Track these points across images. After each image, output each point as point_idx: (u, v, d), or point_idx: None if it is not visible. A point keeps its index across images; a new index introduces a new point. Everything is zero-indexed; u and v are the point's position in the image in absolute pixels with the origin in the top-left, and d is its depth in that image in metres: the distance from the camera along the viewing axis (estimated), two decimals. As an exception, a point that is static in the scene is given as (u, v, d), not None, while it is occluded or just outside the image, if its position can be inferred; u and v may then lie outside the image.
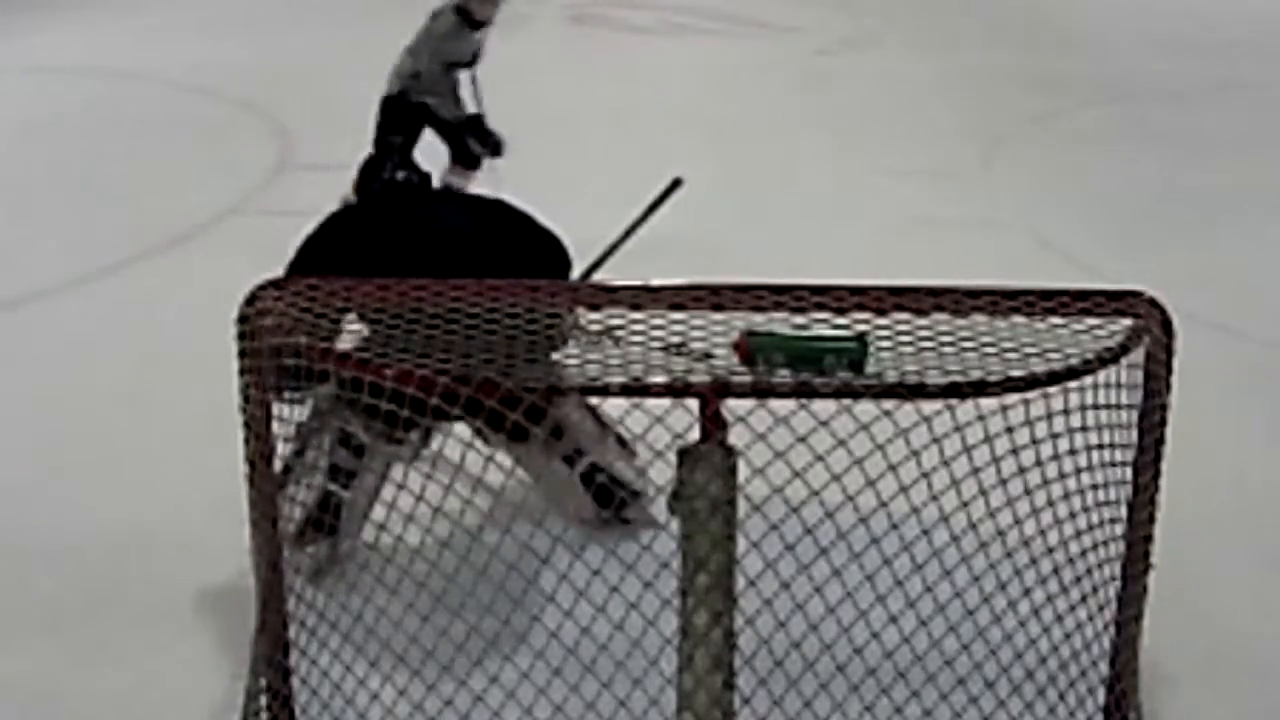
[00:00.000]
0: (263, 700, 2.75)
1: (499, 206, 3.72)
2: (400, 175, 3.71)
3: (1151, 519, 2.66)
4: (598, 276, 4.15)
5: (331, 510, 3.45)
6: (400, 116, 6.18)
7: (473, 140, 6.25)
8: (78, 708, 3.17)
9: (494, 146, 6.29)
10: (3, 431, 4.49)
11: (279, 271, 2.66)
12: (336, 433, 3.46)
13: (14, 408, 4.66)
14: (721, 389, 2.34)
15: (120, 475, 4.17)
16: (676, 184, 4.75)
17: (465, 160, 6.35)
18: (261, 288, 2.57)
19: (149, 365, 4.92)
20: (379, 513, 2.73)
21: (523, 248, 3.53)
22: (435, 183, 5.22)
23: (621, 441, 3.67)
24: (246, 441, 2.59)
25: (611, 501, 3.63)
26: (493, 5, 6.17)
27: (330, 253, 3.49)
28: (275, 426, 2.58)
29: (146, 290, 5.72)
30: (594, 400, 3.60)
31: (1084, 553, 2.67)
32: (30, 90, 9.12)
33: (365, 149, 7.65)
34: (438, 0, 6.34)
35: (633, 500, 3.68)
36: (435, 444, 3.21)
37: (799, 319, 2.52)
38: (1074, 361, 2.46)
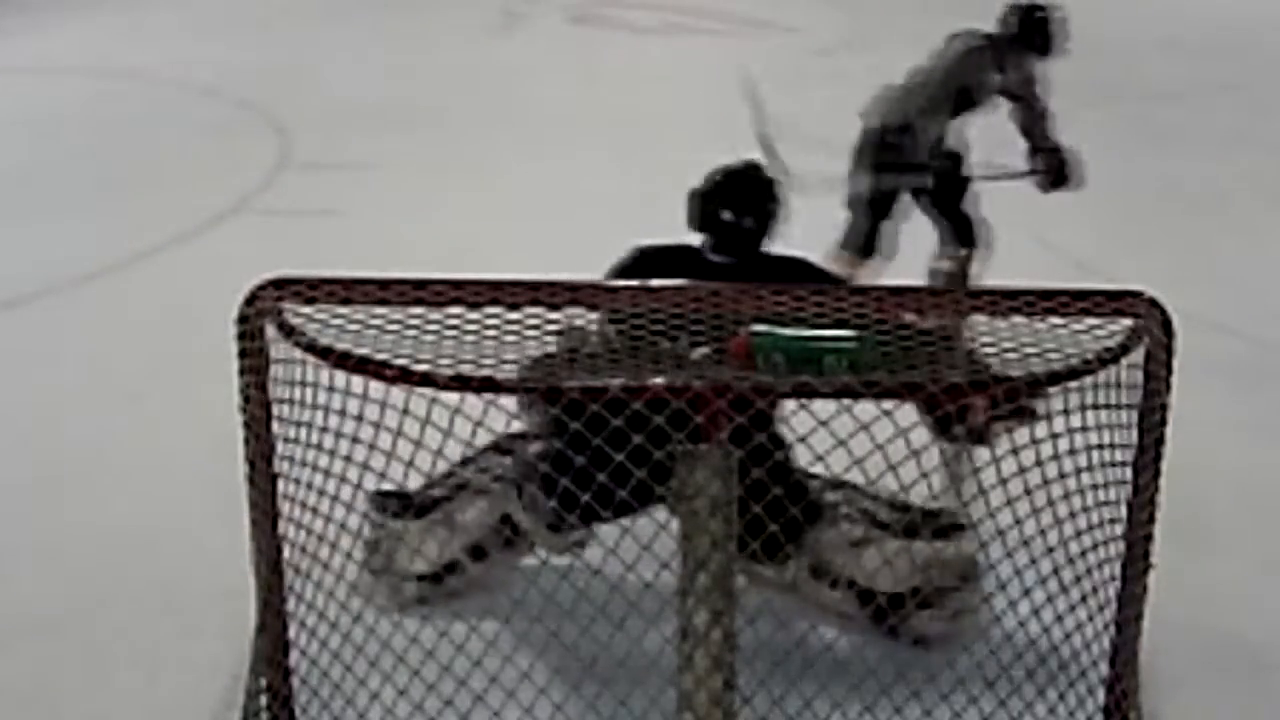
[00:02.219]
0: (263, 700, 2.75)
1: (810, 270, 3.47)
2: (749, 223, 3.47)
3: (1151, 519, 2.66)
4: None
5: (453, 572, 3.43)
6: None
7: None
8: (78, 708, 3.17)
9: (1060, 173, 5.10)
10: (3, 431, 4.49)
11: (278, 270, 2.66)
12: (500, 513, 3.38)
13: (14, 408, 4.66)
14: (721, 389, 2.34)
15: (120, 475, 4.17)
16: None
17: (967, 237, 5.13)
18: (261, 287, 2.57)
19: (149, 365, 4.92)
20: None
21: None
22: (930, 269, 4.78)
23: (911, 527, 3.26)
24: (246, 441, 2.59)
25: (884, 620, 3.30)
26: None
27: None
28: (275, 427, 2.58)
29: (146, 290, 5.72)
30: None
31: (1084, 553, 2.67)
32: (30, 90, 9.11)
33: (362, 148, 7.71)
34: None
35: (897, 612, 3.27)
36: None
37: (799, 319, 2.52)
38: (1074, 361, 2.46)
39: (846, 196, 5.09)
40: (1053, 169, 5.19)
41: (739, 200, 3.48)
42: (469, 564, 3.40)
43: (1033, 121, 5.20)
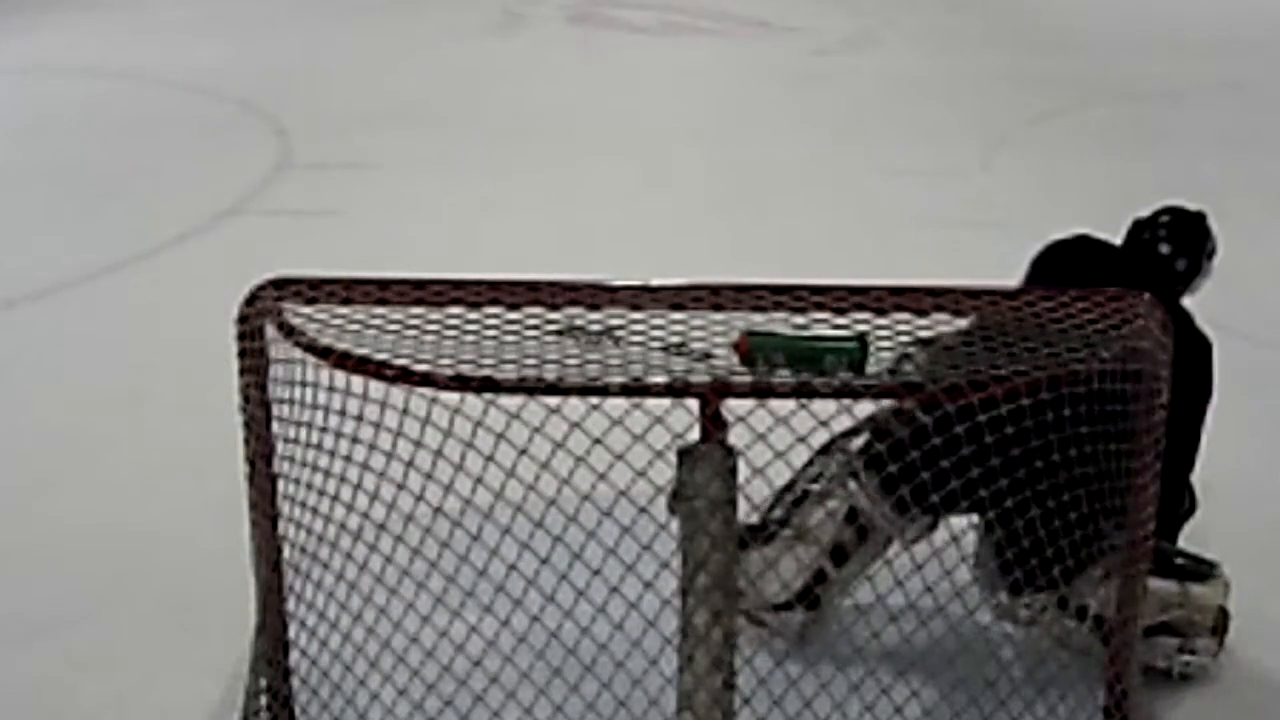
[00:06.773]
0: (263, 700, 2.75)
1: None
2: (1181, 265, 3.46)
3: (1150, 519, 2.66)
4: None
5: (821, 582, 3.25)
6: None
7: None
8: (78, 708, 3.17)
9: None
10: (3, 431, 4.49)
11: (278, 270, 2.66)
12: (845, 508, 3.21)
13: (14, 407, 4.66)
14: (721, 389, 2.34)
15: (120, 475, 4.17)
16: None
17: None
18: (261, 288, 2.57)
19: (149, 365, 4.92)
20: (379, 512, 2.73)
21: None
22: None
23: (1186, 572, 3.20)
24: (246, 441, 2.59)
25: None
26: None
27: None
28: (275, 427, 2.58)
29: (146, 290, 5.72)
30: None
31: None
32: (30, 90, 9.11)
33: (362, 148, 7.71)
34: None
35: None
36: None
37: (799, 319, 2.52)
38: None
39: None
40: None
41: (1181, 241, 3.49)
42: (832, 570, 3.22)
43: None
